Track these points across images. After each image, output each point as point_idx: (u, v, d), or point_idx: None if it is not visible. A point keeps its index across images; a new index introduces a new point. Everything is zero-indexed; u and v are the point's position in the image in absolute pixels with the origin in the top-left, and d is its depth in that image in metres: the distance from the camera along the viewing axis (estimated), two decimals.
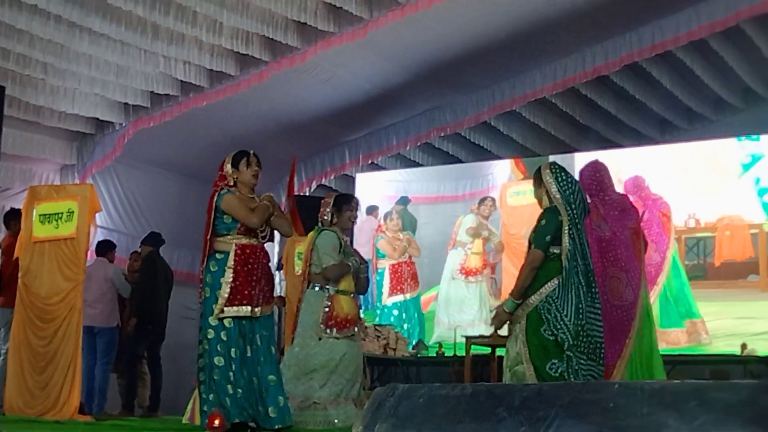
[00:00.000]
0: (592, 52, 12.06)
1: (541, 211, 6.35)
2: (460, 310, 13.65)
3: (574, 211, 6.20)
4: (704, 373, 10.64)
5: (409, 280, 14.18)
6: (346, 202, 7.71)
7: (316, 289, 7.37)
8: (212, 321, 6.23)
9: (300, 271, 7.61)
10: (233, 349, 6.24)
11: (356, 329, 7.47)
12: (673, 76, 13.29)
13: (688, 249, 12.66)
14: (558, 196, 6.20)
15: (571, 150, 14.10)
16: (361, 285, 7.73)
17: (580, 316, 6.08)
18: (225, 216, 6.34)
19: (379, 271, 14.27)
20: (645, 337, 6.80)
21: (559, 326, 6.01)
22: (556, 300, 6.04)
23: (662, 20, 11.46)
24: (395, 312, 13.99)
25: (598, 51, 12.01)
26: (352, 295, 7.50)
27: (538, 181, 6.34)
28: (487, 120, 13.72)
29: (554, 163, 6.44)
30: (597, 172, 6.97)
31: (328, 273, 7.32)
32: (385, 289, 14.18)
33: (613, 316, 6.50)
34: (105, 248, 10.49)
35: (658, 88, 13.46)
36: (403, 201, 14.68)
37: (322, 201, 7.75)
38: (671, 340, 11.69)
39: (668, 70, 13.16)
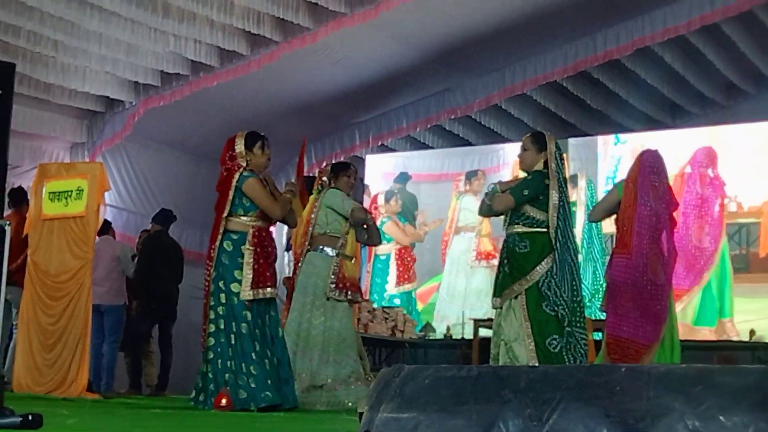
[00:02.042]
0: (603, 35, 12.03)
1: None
2: (478, 299, 13.01)
3: (564, 193, 6.29)
4: (712, 358, 10.63)
5: (412, 267, 13.99)
6: (342, 168, 7.73)
7: (327, 251, 7.37)
8: (234, 301, 6.25)
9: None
10: (257, 331, 6.27)
11: (359, 296, 7.58)
12: (684, 60, 13.23)
13: (728, 237, 11.64)
14: (555, 173, 6.27)
15: (582, 134, 14.07)
16: (374, 235, 7.80)
17: (575, 293, 6.18)
18: (244, 198, 6.34)
19: (381, 257, 14.05)
20: (673, 323, 6.81)
21: (558, 302, 6.09)
22: (555, 276, 6.12)
23: (675, 4, 11.43)
24: (396, 301, 13.72)
25: (610, 34, 11.98)
26: (353, 260, 7.55)
27: (539, 146, 6.39)
28: (498, 103, 13.70)
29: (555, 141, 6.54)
30: (659, 157, 6.97)
31: (358, 213, 7.41)
32: (391, 278, 13.90)
33: (647, 291, 6.50)
34: (106, 227, 10.44)
35: (670, 72, 13.40)
36: (402, 179, 14.40)
37: (319, 170, 7.80)
38: (700, 338, 11.14)
39: (680, 55, 13.10)
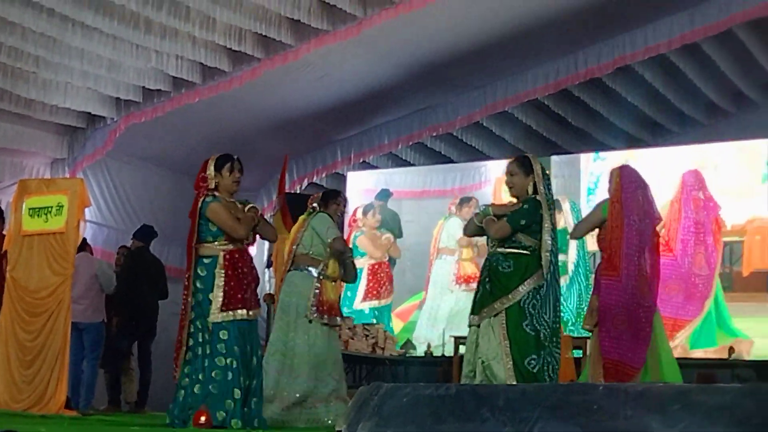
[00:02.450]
0: (585, 53, 12.08)
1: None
2: (461, 323, 12.85)
3: (551, 212, 6.30)
4: (692, 376, 10.63)
5: (387, 284, 13.75)
6: (333, 196, 7.78)
7: (310, 270, 7.37)
8: (210, 324, 6.22)
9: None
10: (236, 348, 6.24)
11: (339, 319, 7.53)
12: (665, 79, 13.29)
13: None
14: (545, 195, 6.28)
15: (563, 152, 14.11)
16: (350, 272, 7.78)
17: (556, 314, 6.19)
18: (210, 224, 6.33)
19: None
20: (660, 344, 6.75)
21: (541, 322, 6.07)
22: (542, 296, 6.10)
23: (655, 23, 11.48)
24: (366, 319, 13.37)
25: (591, 53, 12.03)
26: (334, 282, 7.54)
27: (526, 170, 6.37)
28: (480, 120, 13.72)
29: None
30: (636, 171, 6.93)
31: (337, 244, 7.38)
32: (360, 292, 13.67)
33: (634, 315, 6.48)
34: (83, 244, 10.36)
35: (651, 91, 13.45)
36: (384, 195, 14.27)
37: (311, 197, 7.82)
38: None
39: (661, 74, 13.15)
